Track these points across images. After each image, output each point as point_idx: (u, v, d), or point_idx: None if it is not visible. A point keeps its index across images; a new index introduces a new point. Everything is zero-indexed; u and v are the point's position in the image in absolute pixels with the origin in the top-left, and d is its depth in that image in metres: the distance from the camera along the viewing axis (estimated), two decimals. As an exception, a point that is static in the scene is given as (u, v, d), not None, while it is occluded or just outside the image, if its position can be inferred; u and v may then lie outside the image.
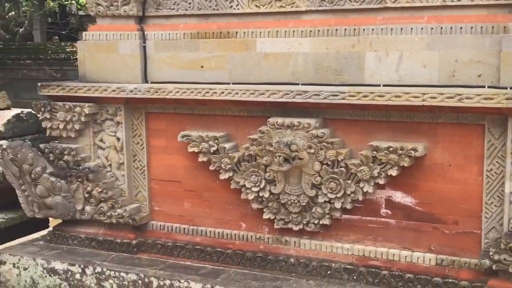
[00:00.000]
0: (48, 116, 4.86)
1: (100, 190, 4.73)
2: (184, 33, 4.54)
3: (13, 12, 11.72)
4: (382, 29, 3.96)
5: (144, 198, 4.83)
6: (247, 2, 4.36)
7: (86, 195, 4.78)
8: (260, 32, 4.29)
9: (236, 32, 4.37)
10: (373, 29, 3.98)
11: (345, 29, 4.04)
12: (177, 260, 4.63)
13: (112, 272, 4.49)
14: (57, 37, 10.03)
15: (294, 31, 4.18)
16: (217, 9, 4.47)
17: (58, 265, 4.67)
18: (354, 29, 4.02)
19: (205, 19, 4.54)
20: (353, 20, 4.06)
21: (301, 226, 4.23)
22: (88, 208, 4.79)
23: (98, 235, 4.90)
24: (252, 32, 4.31)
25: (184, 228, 4.70)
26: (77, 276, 4.61)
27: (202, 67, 4.49)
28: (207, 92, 4.32)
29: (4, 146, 4.92)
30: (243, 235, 4.49)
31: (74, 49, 9.53)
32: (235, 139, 4.42)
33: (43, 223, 5.51)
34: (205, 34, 4.47)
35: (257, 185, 4.26)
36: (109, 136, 4.80)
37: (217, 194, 4.55)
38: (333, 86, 3.98)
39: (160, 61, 4.64)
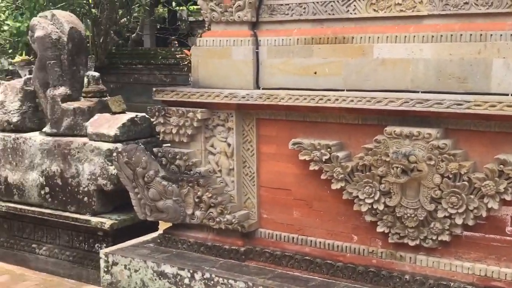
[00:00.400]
0: (162, 121, 4.92)
1: (210, 195, 4.74)
2: (297, 39, 4.46)
3: (125, 18, 12.13)
4: (511, 34, 3.69)
5: (253, 205, 4.78)
6: (365, 6, 4.21)
7: (196, 200, 4.80)
8: (378, 37, 4.13)
9: (352, 37, 4.23)
10: (501, 35, 3.72)
11: (471, 35, 3.80)
12: (286, 270, 4.54)
13: (221, 279, 4.47)
14: (176, 42, 10.24)
15: (414, 36, 3.99)
16: (333, 14, 4.35)
17: (168, 269, 4.71)
18: (481, 35, 3.78)
19: (320, 24, 4.44)
20: (479, 25, 3.82)
21: (417, 242, 4.02)
22: (198, 213, 4.81)
23: (206, 240, 4.90)
24: (369, 37, 4.16)
25: (293, 238, 4.60)
26: (186, 281, 4.63)
27: (315, 73, 4.39)
28: (321, 99, 4.21)
29: (120, 149, 5.03)
30: (354, 248, 4.34)
31: (183, 54, 9.71)
32: (349, 148, 4.27)
33: (153, 226, 5.59)
34: (320, 39, 4.36)
35: (371, 196, 4.10)
36: (220, 142, 4.79)
37: (328, 204, 4.43)
38: (456, 95, 3.76)
39: (273, 67, 4.58)
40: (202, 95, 4.72)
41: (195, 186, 4.79)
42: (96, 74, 6.00)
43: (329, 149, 4.23)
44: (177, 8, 12.52)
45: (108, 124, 5.58)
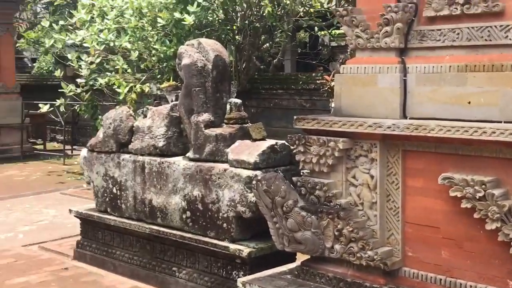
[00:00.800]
0: (301, 150, 4.82)
1: (350, 229, 4.53)
2: (450, 66, 4.18)
3: (267, 44, 12.28)
4: None
5: (397, 242, 4.51)
6: (527, 31, 3.86)
7: (336, 233, 4.62)
8: (542, 65, 3.76)
9: (512, 65, 3.88)
10: None
11: None
12: (432, 314, 4.23)
13: (361, 319, 4.24)
14: (321, 68, 10.19)
15: None
16: (490, 40, 4.03)
17: (305, 303, 4.56)
18: None
19: (475, 51, 4.13)
20: None
21: None
22: (337, 246, 4.62)
23: (346, 276, 4.69)
24: (532, 65, 3.80)
25: (441, 279, 4.26)
26: (324, 317, 4.45)
27: (469, 103, 4.08)
28: (475, 131, 3.88)
29: (259, 177, 4.99)
30: (510, 295, 3.94)
31: (324, 80, 9.62)
32: (506, 185, 3.90)
33: (290, 256, 5.47)
34: (475, 67, 4.05)
35: (531, 240, 3.70)
36: (362, 173, 4.59)
37: (481, 245, 4.06)
38: None
39: (421, 96, 4.32)
40: (344, 124, 4.55)
41: (335, 218, 4.61)
42: (238, 101, 6.04)
43: (483, 186, 3.89)
44: (319, 33, 12.48)
45: (248, 151, 5.57)
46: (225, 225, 5.61)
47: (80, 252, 7.11)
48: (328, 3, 11.12)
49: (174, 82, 9.50)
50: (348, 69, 4.70)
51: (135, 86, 10.27)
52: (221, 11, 10.49)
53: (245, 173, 5.46)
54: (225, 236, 5.62)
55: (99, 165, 6.88)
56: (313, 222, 4.70)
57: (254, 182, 5.05)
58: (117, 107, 7.59)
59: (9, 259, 7.11)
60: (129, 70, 10.49)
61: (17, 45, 18.70)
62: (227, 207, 5.58)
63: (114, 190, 6.71)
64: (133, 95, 10.21)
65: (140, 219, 6.43)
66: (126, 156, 6.59)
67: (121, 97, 10.10)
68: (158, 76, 10.57)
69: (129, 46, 10.09)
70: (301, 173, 4.97)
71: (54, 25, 11.21)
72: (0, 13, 14.84)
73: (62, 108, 11.57)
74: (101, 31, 10.14)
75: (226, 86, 6.19)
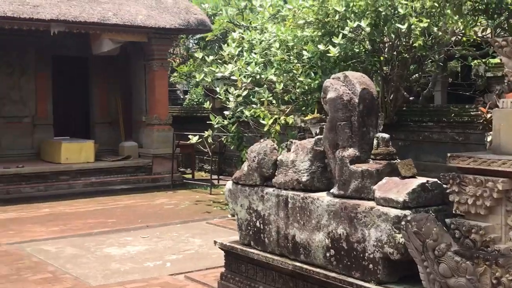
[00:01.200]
0: (456, 190, 4.48)
1: (510, 277, 4.12)
2: None
3: (416, 75, 11.84)
4: None
5: None
6: None
7: (494, 281, 4.21)
8: None
9: None
10: None
11: None
12: None
13: None
14: (481, 99, 9.58)
15: None
16: None
17: None
18: None
19: None
20: None
21: None
22: (496, 297, 4.21)
23: (505, 330, 4.25)
24: None
25: None
26: None
27: None
28: None
29: (409, 218, 4.70)
30: None
31: (478, 112, 9.05)
32: None
33: (442, 302, 5.09)
34: None
35: None
36: (526, 218, 4.17)
37: None
38: None
39: None
40: (504, 163, 4.18)
41: (493, 265, 4.21)
42: (386, 136, 5.79)
43: None
44: (473, 62, 11.82)
45: (396, 188, 5.28)
46: (371, 266, 5.34)
47: (223, 284, 7.14)
48: (482, 32, 10.51)
49: (318, 114, 9.41)
50: (508, 104, 4.33)
51: (279, 118, 10.32)
52: (367, 42, 10.28)
53: (393, 212, 5.17)
54: (371, 277, 5.34)
55: (243, 198, 6.91)
56: (468, 268, 4.33)
57: (403, 222, 4.77)
58: (261, 139, 7.61)
59: (156, 287, 7.32)
60: (274, 102, 10.56)
61: (171, 79, 19.69)
62: (374, 247, 5.31)
63: (258, 224, 6.68)
64: (277, 127, 10.26)
65: (283, 254, 6.33)
66: (270, 190, 6.55)
67: (265, 129, 10.18)
68: (303, 108, 10.54)
69: (274, 78, 10.18)
70: (455, 214, 4.62)
71: (206, 57, 11.60)
72: (156, 49, 15.72)
73: (210, 139, 11.91)
74: (248, 64, 10.33)
75: (373, 120, 5.96)
